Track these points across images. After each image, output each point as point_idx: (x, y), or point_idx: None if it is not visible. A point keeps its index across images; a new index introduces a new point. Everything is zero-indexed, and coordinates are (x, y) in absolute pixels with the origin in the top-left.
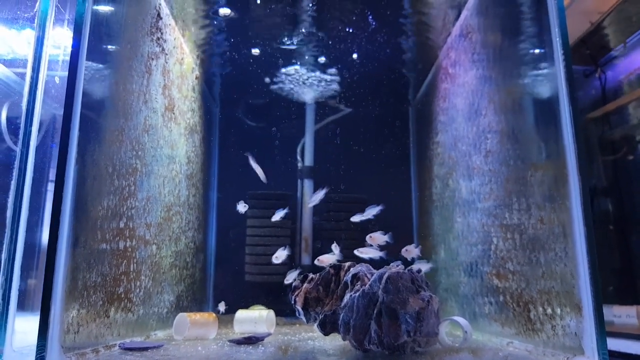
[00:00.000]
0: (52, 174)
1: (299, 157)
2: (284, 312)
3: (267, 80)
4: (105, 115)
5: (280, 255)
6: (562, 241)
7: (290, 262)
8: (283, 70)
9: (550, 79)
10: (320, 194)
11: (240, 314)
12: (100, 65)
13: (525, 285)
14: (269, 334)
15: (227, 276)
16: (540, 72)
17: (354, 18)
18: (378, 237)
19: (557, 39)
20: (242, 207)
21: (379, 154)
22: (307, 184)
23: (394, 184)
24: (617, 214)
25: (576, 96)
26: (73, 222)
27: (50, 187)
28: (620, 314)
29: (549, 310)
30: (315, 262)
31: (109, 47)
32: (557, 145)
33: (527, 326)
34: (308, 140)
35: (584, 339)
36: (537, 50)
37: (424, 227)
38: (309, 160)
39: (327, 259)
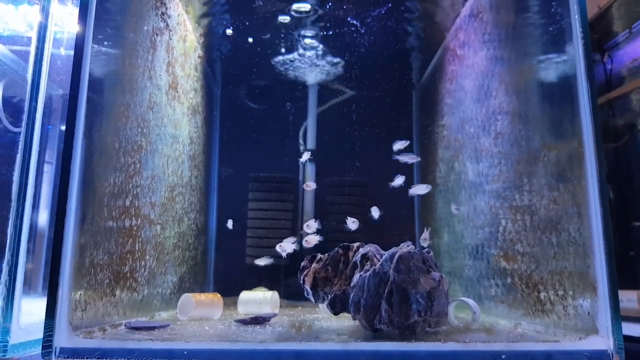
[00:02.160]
0: (49, 156)
1: (301, 141)
2: (285, 295)
3: (270, 61)
4: (111, 89)
5: (286, 246)
6: (577, 221)
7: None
8: (286, 51)
9: (567, 58)
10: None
11: (245, 295)
12: (106, 38)
13: (535, 266)
14: (275, 315)
15: (227, 259)
16: (556, 50)
17: None
18: (311, 240)
19: (576, 15)
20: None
21: (381, 138)
22: (309, 167)
23: (397, 168)
24: (618, 200)
25: (593, 74)
26: (81, 197)
27: (47, 168)
28: (621, 299)
29: (561, 291)
30: (304, 243)
31: (115, 19)
32: (572, 124)
33: (537, 307)
34: (310, 123)
35: (599, 319)
36: (553, 29)
37: (427, 211)
38: (311, 144)
39: (312, 239)
